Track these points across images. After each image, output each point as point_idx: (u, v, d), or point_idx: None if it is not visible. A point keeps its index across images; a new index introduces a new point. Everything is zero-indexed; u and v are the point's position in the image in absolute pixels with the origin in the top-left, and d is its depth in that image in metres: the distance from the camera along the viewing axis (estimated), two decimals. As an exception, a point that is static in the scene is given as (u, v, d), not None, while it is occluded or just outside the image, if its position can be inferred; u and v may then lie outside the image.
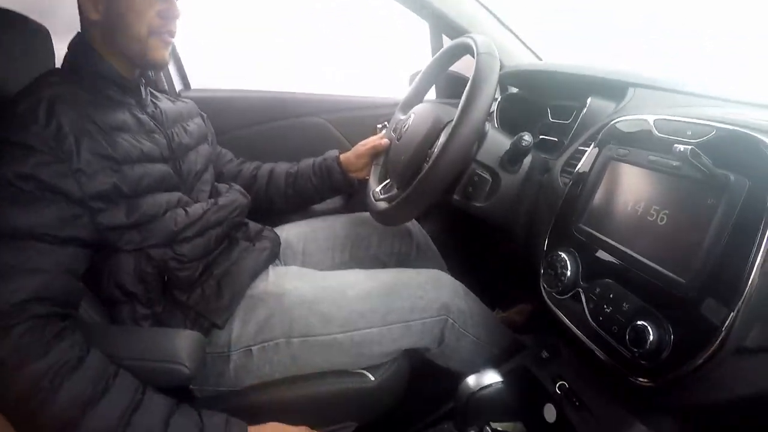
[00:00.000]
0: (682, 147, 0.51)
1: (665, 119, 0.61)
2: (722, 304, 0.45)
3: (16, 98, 0.68)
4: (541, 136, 1.04)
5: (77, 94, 0.72)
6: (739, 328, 0.44)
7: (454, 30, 1.26)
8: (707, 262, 0.47)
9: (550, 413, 0.68)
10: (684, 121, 0.58)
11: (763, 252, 0.43)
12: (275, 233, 1.02)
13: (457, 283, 0.93)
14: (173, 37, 0.81)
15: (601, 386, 0.65)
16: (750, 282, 0.43)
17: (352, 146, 1.14)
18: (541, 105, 1.07)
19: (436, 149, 0.81)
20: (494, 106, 1.18)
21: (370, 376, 0.83)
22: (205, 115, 1.09)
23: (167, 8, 0.77)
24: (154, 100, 0.91)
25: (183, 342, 0.68)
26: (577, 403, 0.65)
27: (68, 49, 0.80)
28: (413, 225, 1.16)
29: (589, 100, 0.88)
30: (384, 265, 1.10)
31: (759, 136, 0.48)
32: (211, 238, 0.84)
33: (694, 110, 0.65)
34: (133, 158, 0.74)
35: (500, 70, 0.81)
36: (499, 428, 0.72)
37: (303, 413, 0.80)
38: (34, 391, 0.57)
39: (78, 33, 0.81)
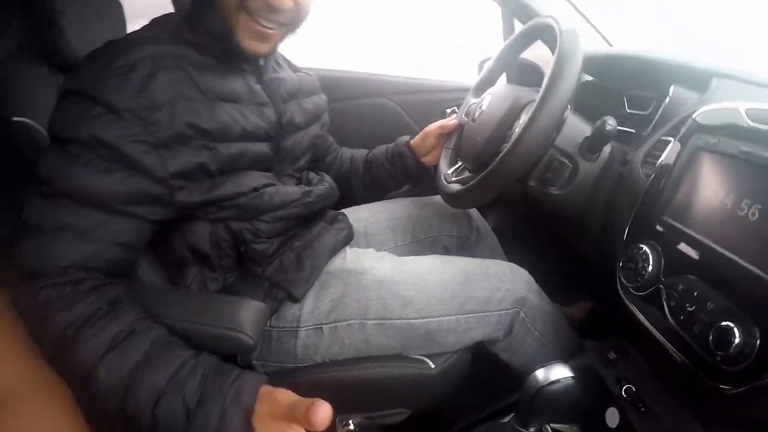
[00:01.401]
0: None
1: (758, 108, 0.58)
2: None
3: (115, 49, 0.65)
4: (617, 127, 1.02)
5: (184, 55, 0.70)
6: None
7: (526, 13, 1.24)
8: None
9: (612, 418, 0.66)
10: None
11: None
12: (347, 217, 1.03)
13: (531, 278, 0.92)
14: (269, 32, 0.72)
15: (670, 392, 0.64)
16: None
17: (420, 129, 1.15)
18: (617, 94, 1.04)
19: (517, 129, 0.80)
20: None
21: (431, 363, 0.84)
22: (324, 97, 1.05)
23: None
24: (276, 67, 0.89)
25: (247, 311, 0.70)
26: (642, 409, 0.63)
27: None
28: (472, 210, 1.16)
29: (671, 89, 0.85)
30: (445, 248, 1.11)
31: None
32: (291, 221, 0.84)
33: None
34: (232, 136, 0.73)
35: None
36: (558, 428, 0.72)
37: (358, 394, 0.82)
38: (57, 341, 0.57)
39: None
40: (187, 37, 0.72)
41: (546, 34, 0.88)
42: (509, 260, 1.07)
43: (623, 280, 0.66)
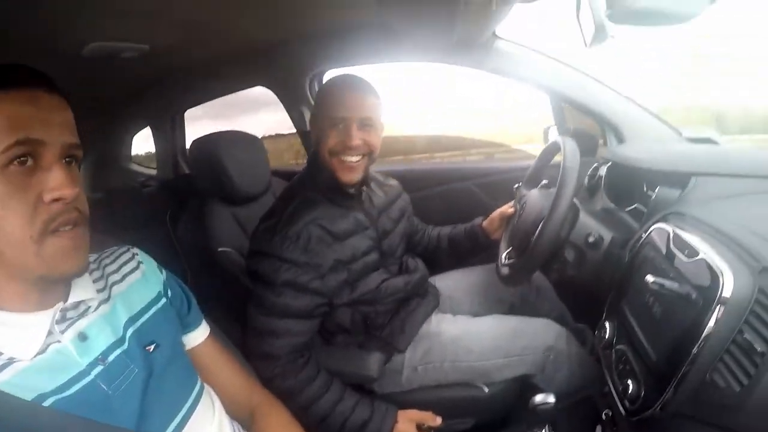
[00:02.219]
0: (649, 280, 0.81)
1: (679, 235, 0.87)
2: (669, 381, 0.74)
3: (281, 222, 1.13)
4: (636, 205, 1.30)
5: (319, 215, 1.16)
6: (676, 399, 0.73)
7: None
8: (670, 351, 0.77)
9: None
10: (687, 242, 0.84)
11: (695, 354, 0.71)
12: (436, 288, 1.47)
13: (562, 329, 1.29)
14: (353, 165, 1.16)
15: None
16: (683, 372, 0.71)
17: (495, 205, 1.54)
18: (639, 178, 1.30)
19: (534, 237, 1.15)
20: (603, 171, 1.46)
21: (485, 388, 1.25)
22: (406, 195, 1.51)
23: (346, 139, 1.13)
24: (369, 193, 1.33)
25: (372, 359, 1.20)
26: (615, 428, 0.97)
27: (307, 162, 1.29)
28: None
29: (657, 189, 1.13)
30: (510, 305, 1.49)
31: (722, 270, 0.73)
32: (399, 300, 1.30)
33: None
34: (357, 257, 1.20)
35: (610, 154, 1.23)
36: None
37: (438, 408, 1.22)
38: (293, 393, 1.09)
39: (313, 150, 1.25)
40: (313, 199, 1.20)
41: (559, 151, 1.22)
42: (567, 306, 1.43)
43: (597, 343, 1.01)
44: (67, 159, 0.62)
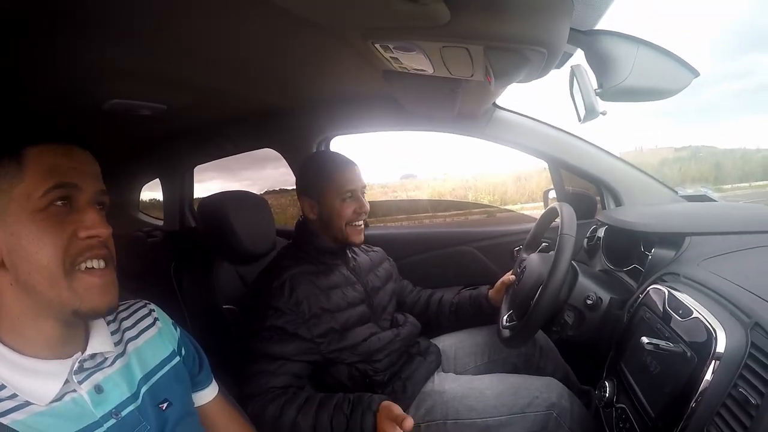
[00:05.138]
0: (644, 341, 0.85)
1: (674, 296, 0.92)
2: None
3: (270, 276, 1.28)
4: (633, 265, 1.35)
5: (306, 269, 1.31)
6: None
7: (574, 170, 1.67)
8: (669, 407, 0.80)
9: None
10: (683, 302, 0.88)
11: (693, 408, 0.75)
12: (437, 347, 1.50)
13: (564, 388, 1.30)
14: (361, 227, 1.38)
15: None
16: (682, 427, 0.75)
17: (494, 266, 1.60)
18: (636, 238, 1.36)
19: (534, 301, 1.20)
20: (602, 233, 1.53)
21: None
22: (391, 260, 1.63)
23: (358, 207, 1.36)
24: (354, 255, 1.49)
25: None
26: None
27: (295, 229, 1.45)
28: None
29: (653, 251, 1.19)
30: (514, 365, 1.51)
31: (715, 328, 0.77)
32: (394, 356, 1.35)
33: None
34: (342, 307, 1.30)
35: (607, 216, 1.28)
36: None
37: None
38: (274, 418, 1.13)
39: (300, 219, 1.44)
40: (301, 257, 1.37)
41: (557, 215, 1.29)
42: (573, 368, 1.46)
43: (597, 401, 1.03)
44: (98, 205, 0.69)
